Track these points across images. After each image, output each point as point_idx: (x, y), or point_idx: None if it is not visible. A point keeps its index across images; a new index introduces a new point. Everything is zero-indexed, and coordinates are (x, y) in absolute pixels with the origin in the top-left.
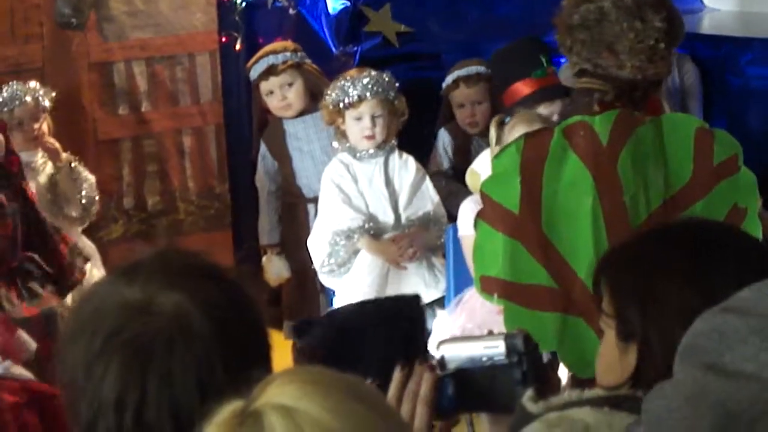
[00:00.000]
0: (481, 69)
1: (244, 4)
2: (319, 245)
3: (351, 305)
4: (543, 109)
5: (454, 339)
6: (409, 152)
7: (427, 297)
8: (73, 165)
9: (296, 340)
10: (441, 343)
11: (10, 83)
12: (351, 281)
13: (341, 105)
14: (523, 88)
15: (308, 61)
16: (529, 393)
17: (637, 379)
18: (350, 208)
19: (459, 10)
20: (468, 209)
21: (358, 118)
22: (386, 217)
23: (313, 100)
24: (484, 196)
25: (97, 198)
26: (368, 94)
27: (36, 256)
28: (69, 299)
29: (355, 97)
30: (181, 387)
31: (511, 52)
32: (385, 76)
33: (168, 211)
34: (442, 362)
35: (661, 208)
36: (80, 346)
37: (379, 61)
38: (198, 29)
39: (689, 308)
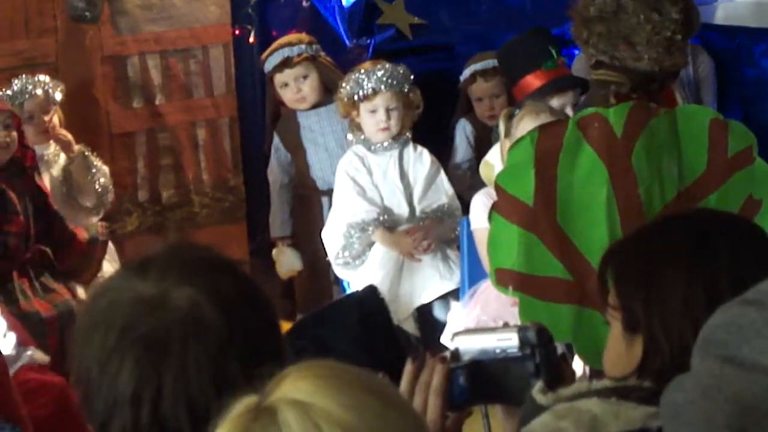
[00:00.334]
0: None
1: None
2: (333, 237)
3: (308, 316)
4: (555, 101)
5: (468, 331)
6: (423, 144)
7: (441, 289)
8: (86, 154)
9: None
10: (455, 335)
11: (20, 76)
12: (366, 273)
13: (356, 97)
14: (533, 80)
15: (323, 53)
16: (539, 385)
17: (644, 370)
18: (365, 201)
19: (471, 1)
20: (479, 202)
21: (373, 111)
22: (401, 209)
23: (327, 92)
24: (498, 188)
25: (111, 187)
26: (383, 86)
27: (48, 250)
28: (82, 293)
29: (370, 90)
30: (196, 381)
31: (519, 44)
32: (399, 68)
33: (182, 204)
34: (456, 354)
35: (676, 199)
36: (94, 342)
37: (393, 54)
38: (211, 22)
39: (693, 299)
